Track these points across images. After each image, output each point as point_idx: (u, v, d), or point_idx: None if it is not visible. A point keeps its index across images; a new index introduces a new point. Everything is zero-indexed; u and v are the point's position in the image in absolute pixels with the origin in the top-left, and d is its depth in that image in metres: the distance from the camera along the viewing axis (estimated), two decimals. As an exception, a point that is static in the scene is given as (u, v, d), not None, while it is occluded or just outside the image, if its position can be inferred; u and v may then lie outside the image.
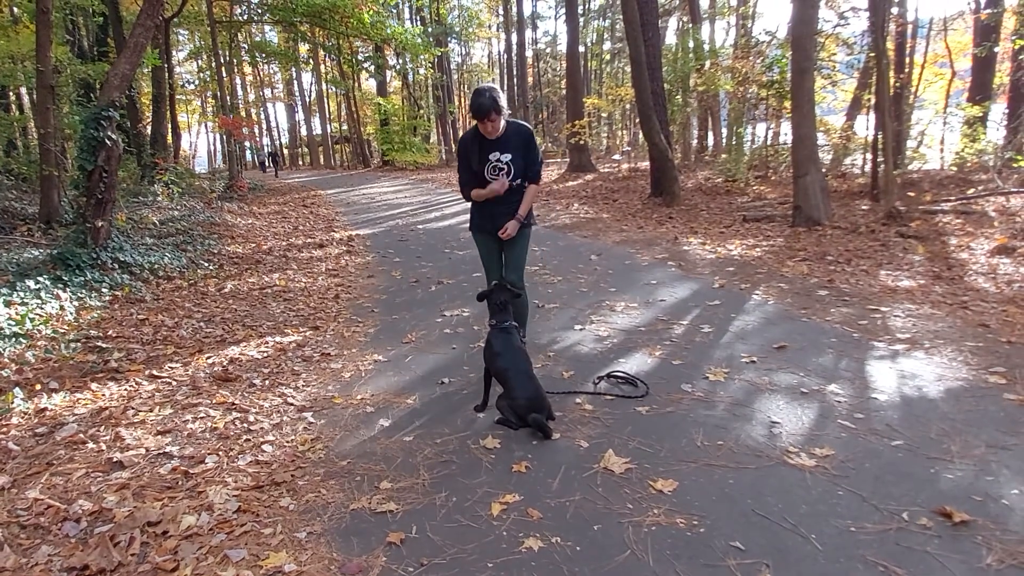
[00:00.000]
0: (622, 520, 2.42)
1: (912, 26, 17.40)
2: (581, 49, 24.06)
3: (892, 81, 11.42)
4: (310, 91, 40.02)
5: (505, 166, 3.68)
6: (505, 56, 30.27)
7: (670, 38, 23.64)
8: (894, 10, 14.29)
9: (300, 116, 43.69)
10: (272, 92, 43.20)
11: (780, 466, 2.72)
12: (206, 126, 40.86)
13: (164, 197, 9.75)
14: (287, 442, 3.21)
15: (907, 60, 16.61)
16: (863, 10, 16.54)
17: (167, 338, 4.77)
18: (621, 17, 28.80)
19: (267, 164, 32.55)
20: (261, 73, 39.46)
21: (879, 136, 10.52)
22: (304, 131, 42.99)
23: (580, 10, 22.42)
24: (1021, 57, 13.62)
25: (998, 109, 16.68)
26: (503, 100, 3.56)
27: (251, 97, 39.88)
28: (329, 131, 37.90)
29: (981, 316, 4.61)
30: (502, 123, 3.63)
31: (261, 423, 3.42)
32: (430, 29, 25.07)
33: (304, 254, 8.27)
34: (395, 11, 25.70)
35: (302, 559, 2.30)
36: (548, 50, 33.15)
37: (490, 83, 4.22)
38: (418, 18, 27.62)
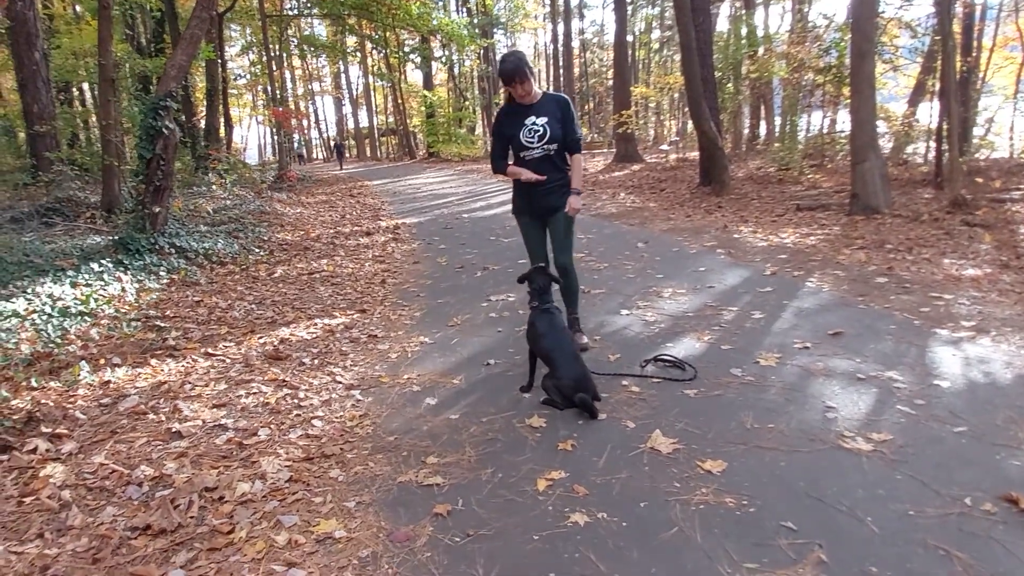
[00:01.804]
0: (669, 498, 2.38)
1: (981, 8, 16.57)
2: (629, 38, 23.71)
3: (959, 65, 10.89)
4: (357, 84, 40.66)
5: (541, 128, 3.61)
6: (551, 47, 30.14)
7: (722, 24, 23.04)
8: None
9: (347, 109, 44.51)
10: (320, 85, 44.01)
11: (835, 450, 2.63)
12: (256, 119, 42.01)
13: (217, 187, 10.05)
14: (336, 418, 3.27)
15: (975, 44, 15.84)
16: (928, -9, 15.85)
17: (221, 319, 4.92)
18: (671, 4, 28.28)
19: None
20: (309, 67, 40.24)
21: (944, 123, 10.08)
22: (351, 124, 43.77)
23: (628, -1, 22.07)
24: (1101, 37, 12.82)
25: (1074, 94, 15.78)
26: (529, 63, 3.55)
27: (300, 91, 40.77)
28: (375, 123, 38.45)
29: (1054, 304, 4.38)
30: (535, 89, 3.61)
31: (311, 399, 3.50)
32: (476, 20, 25.10)
33: (351, 241, 8.41)
34: (441, 2, 25.84)
35: (351, 526, 2.35)
36: (595, 40, 32.81)
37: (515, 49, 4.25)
38: (464, 9, 27.69)
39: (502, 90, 3.91)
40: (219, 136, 15.32)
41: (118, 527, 2.38)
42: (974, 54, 15.69)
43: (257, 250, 7.37)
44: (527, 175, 3.67)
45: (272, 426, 3.16)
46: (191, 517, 2.43)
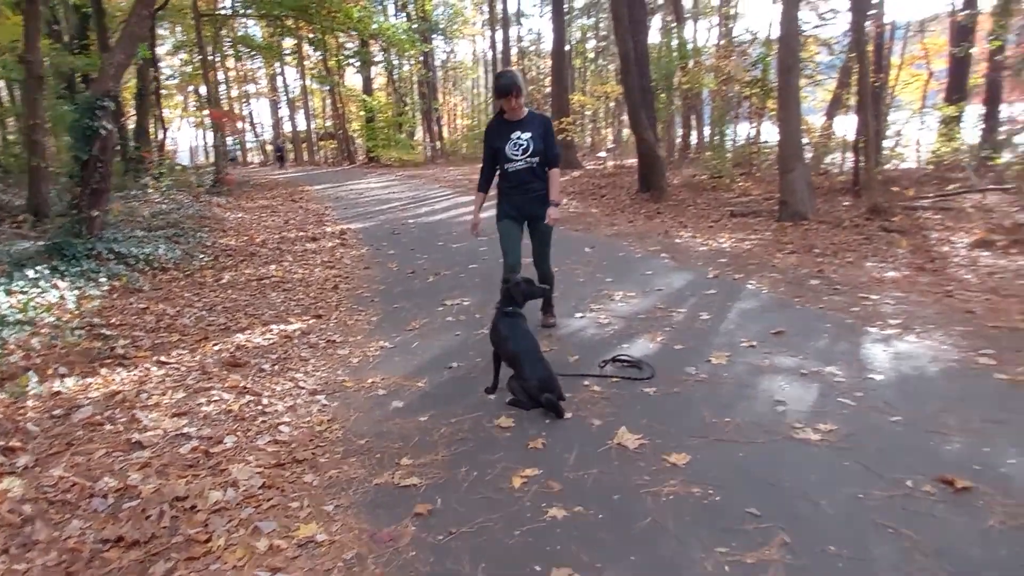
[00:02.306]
0: (640, 491, 2.51)
1: (890, 28, 17.75)
2: (566, 47, 24.17)
3: (872, 81, 11.64)
4: (293, 87, 39.69)
5: (525, 142, 4.01)
6: (490, 53, 30.31)
7: (654, 36, 23.80)
8: (872, 12, 14.55)
9: (284, 112, 43.35)
10: (255, 87, 42.71)
11: (787, 440, 2.83)
12: (188, 121, 40.42)
13: (153, 190, 9.67)
14: (303, 423, 3.26)
15: (885, 62, 16.93)
16: (845, 11, 16.87)
17: (170, 326, 4.78)
18: (605, 16, 28.96)
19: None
20: (243, 68, 39.02)
21: (861, 135, 10.77)
22: (288, 127, 42.63)
23: (564, 8, 22.48)
24: (997, 58, 13.98)
25: (972, 110, 17.10)
26: (522, 82, 3.95)
27: (234, 92, 39.45)
28: (313, 127, 37.59)
29: (966, 304, 4.78)
30: (524, 108, 3.97)
31: (275, 405, 3.46)
32: (414, 25, 25.03)
33: (298, 247, 8.27)
34: (380, 6, 25.57)
35: (332, 529, 2.37)
36: (533, 48, 33.25)
37: (511, 69, 4.64)
38: (403, 14, 27.53)
39: (494, 102, 4.36)
40: (150, 138, 14.71)
41: (88, 540, 2.31)
42: (884, 72, 16.75)
43: (201, 256, 7.15)
44: (475, 221, 4.34)
45: (238, 433, 3.12)
46: (164, 527, 2.39)
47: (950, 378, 3.43)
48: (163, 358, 4.11)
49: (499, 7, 26.17)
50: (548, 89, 30.89)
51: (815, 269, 5.98)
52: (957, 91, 16.67)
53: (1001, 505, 2.27)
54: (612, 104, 26.30)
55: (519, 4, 32.03)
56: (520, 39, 32.69)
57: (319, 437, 3.10)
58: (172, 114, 33.46)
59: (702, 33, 24.38)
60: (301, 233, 9.38)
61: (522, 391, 3.29)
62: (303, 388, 3.70)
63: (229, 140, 22.31)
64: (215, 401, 3.49)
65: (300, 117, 39.92)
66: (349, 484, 2.67)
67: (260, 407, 3.44)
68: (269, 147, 35.65)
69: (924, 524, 2.20)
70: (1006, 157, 13.52)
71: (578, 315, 4.89)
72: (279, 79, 40.04)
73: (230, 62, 34.74)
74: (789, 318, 4.53)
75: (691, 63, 18.22)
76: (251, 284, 6.19)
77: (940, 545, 2.09)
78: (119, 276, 5.69)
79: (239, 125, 26.81)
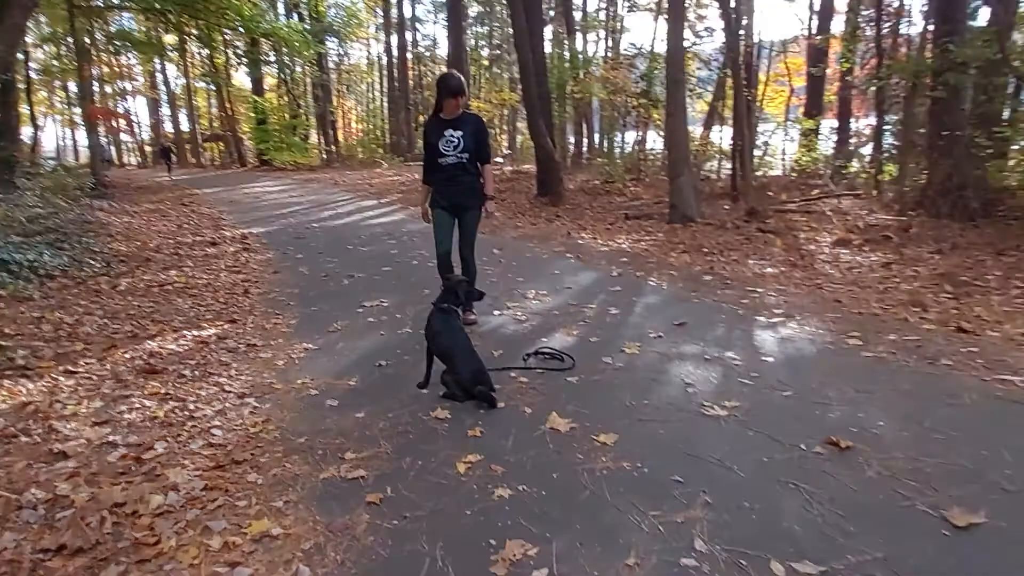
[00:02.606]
0: (576, 468, 2.73)
1: (757, 47, 19.36)
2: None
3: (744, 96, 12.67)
4: (175, 85, 37.07)
5: (456, 139, 4.36)
6: (385, 58, 29.97)
7: (546, 47, 24.56)
8: (742, 32, 15.84)
9: (165, 111, 40.38)
10: (132, 85, 39.51)
11: (699, 417, 3.16)
12: (54, 119, 36.88)
13: (28, 193, 8.86)
14: (236, 426, 3.23)
15: (753, 78, 18.44)
16: (719, 30, 18.24)
17: (72, 335, 4.50)
18: (499, 24, 29.44)
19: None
20: (118, 64, 36.02)
21: (738, 144, 11.74)
22: (170, 127, 39.68)
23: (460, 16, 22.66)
24: (847, 78, 15.61)
25: (827, 123, 19.00)
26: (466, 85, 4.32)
27: (108, 89, 36.33)
28: (198, 128, 35.34)
29: (834, 294, 5.44)
30: (460, 108, 4.30)
31: (203, 410, 3.40)
32: (307, 26, 24.29)
33: (198, 252, 7.91)
34: (269, 4, 24.53)
35: (286, 523, 2.41)
36: (428, 54, 33.19)
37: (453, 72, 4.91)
38: (294, 14, 26.61)
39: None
40: (16, 136, 13.37)
41: (25, 551, 2.22)
42: (753, 88, 18.23)
43: (92, 262, 6.69)
44: (423, 210, 4.76)
45: (168, 439, 3.05)
46: (107, 533, 2.33)
47: (827, 357, 3.93)
48: (70, 367, 3.89)
49: (394, 12, 26.00)
50: (443, 94, 30.95)
51: (706, 266, 6.53)
52: (814, 106, 18.43)
53: (876, 459, 2.69)
54: (506, 112, 26.79)
55: (413, 9, 31.80)
56: (416, 44, 32.58)
57: (256, 438, 3.09)
58: (37, 111, 30.40)
59: (591, 45, 25.34)
60: (198, 238, 8.97)
61: (456, 384, 3.44)
62: (230, 392, 3.65)
63: (104, 140, 20.37)
64: (137, 409, 3.38)
65: (183, 117, 37.46)
66: (295, 480, 2.71)
67: (187, 412, 3.36)
68: (150, 148, 32.86)
69: (818, 478, 2.57)
70: (855, 166, 15.15)
71: (496, 312, 5.09)
72: (159, 76, 37.45)
73: (104, 56, 32.04)
74: (689, 310, 4.96)
75: (582, 74, 18.99)
76: (153, 290, 5.90)
77: (832, 495, 2.46)
78: (4, 285, 5.25)
79: (122, 124, 24.69)
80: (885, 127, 13.49)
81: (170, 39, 26.63)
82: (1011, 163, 9.72)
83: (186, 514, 2.47)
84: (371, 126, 33.36)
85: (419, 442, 3.02)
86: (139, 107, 44.04)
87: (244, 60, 24.49)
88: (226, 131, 30.19)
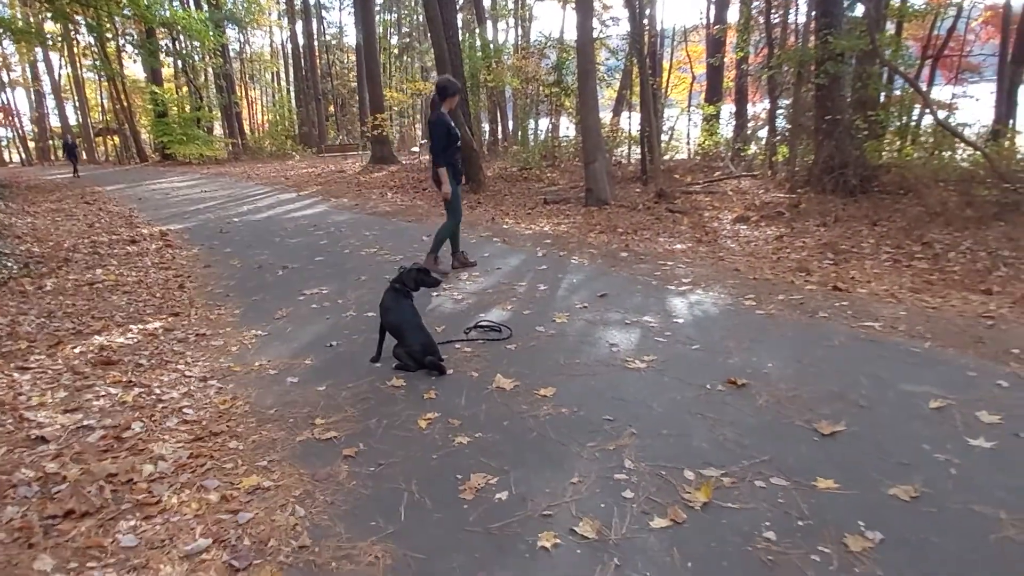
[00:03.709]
0: (523, 416, 3.18)
1: (659, 36, 20.39)
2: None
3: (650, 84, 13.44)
4: (60, 75, 34.40)
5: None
6: (290, 45, 29.23)
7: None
8: (646, 21, 16.65)
9: (51, 104, 37.47)
10: (9, 75, 36.43)
11: (623, 369, 3.68)
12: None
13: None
14: (205, 404, 3.48)
15: (658, 66, 19.44)
16: (624, 19, 19.09)
17: (12, 334, 4.52)
18: (407, 12, 29.32)
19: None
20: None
21: (646, 130, 12.49)
22: (56, 121, 36.82)
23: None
24: (743, 66, 16.76)
25: (726, 108, 20.26)
26: None
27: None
28: (90, 122, 33.15)
29: (734, 264, 6.14)
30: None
31: (169, 393, 3.61)
32: (206, 13, 23.39)
33: (118, 250, 7.80)
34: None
35: (274, 477, 2.73)
36: (335, 42, 32.58)
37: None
38: (191, 1, 25.47)
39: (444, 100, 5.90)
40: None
41: (32, 519, 2.45)
42: (659, 75, 19.23)
43: (7, 264, 6.54)
44: (446, 190, 6.08)
45: (143, 419, 3.27)
46: (108, 499, 2.58)
47: (727, 316, 4.56)
48: (22, 364, 3.97)
49: (298, -1, 25.40)
50: (354, 84, 30.70)
51: (622, 245, 7.13)
52: (715, 93, 19.61)
53: (765, 392, 3.29)
54: (420, 101, 26.84)
55: (318, -4, 31.05)
56: (323, 32, 31.91)
57: (227, 413, 3.36)
58: None
59: (501, 34, 25.76)
60: (115, 236, 8.78)
61: (407, 356, 3.80)
62: (191, 376, 3.86)
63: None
64: (104, 396, 3.55)
65: (70, 109, 34.96)
66: (274, 444, 3.02)
67: (155, 396, 3.57)
68: (34, 143, 30.33)
69: (721, 409, 3.14)
70: (752, 149, 16.35)
71: (434, 294, 5.45)
72: (41, 66, 34.81)
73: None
74: (609, 283, 5.51)
75: (495, 63, 19.38)
76: (83, 289, 5.88)
77: (732, 419, 3.02)
78: (-76, 288, 5.14)
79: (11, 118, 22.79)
80: (777, 112, 14.65)
81: (50, 27, 24.68)
82: (885, 143, 10.93)
83: (179, 478, 2.74)
84: (278, 117, 32.50)
85: (381, 406, 3.38)
86: (20, 99, 40.81)
87: (140, 51, 23.02)
88: (121, 125, 28.51)
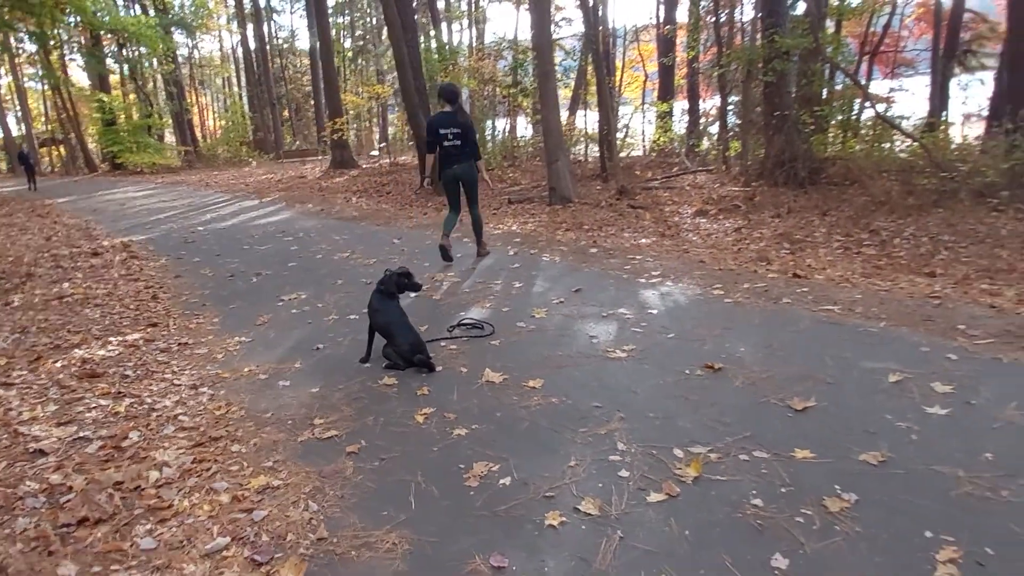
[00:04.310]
0: (515, 407, 3.33)
1: (612, 36, 20.78)
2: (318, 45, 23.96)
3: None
4: (0, 86, 32.78)
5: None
6: (241, 49, 28.65)
7: (411, 38, 24.71)
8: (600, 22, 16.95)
9: None
10: None
11: (605, 359, 3.87)
12: None
13: None
14: (200, 411, 3.52)
15: (612, 65, 19.82)
16: (575, 20, 19.40)
17: (-13, 351, 4.47)
18: (360, 15, 29.08)
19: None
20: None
21: (604, 128, 12.78)
22: None
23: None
24: (694, 65, 17.23)
25: (679, 105, 20.79)
26: None
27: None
28: (33, 133, 31.78)
29: (698, 256, 6.41)
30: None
31: (161, 402, 3.64)
32: (156, 19, 22.76)
33: (82, 263, 7.65)
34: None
35: (282, 476, 2.82)
36: (287, 45, 32.09)
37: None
38: (137, 5, 24.69)
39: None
40: None
41: (46, 529, 2.48)
42: (613, 74, 19.61)
43: (-32, 281, 6.37)
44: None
45: (140, 429, 3.30)
46: (117, 505, 2.64)
47: (697, 305, 4.80)
48: (5, 380, 3.94)
49: (247, 1, 24.91)
50: (308, 88, 30.30)
51: (590, 241, 7.35)
52: (667, 91, 20.07)
53: (740, 374, 3.51)
54: (375, 105, 26.70)
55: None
56: (275, 36, 31.41)
57: (224, 419, 3.42)
58: None
59: (455, 36, 25.83)
60: (75, 249, 8.59)
61: (396, 355, 3.91)
62: (180, 385, 3.89)
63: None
64: (95, 408, 3.56)
65: (12, 120, 33.28)
66: (276, 445, 3.10)
67: (147, 406, 3.59)
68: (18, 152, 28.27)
69: (700, 391, 3.35)
70: (705, 144, 16.84)
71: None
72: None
73: None
74: (582, 279, 5.70)
75: (451, 65, 19.47)
76: (52, 304, 5.79)
77: (711, 401, 3.23)
78: None
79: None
80: (728, 108, 15.14)
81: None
82: (830, 137, 11.44)
83: (186, 482, 2.81)
84: (232, 123, 31.86)
85: (376, 404, 3.49)
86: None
87: (87, 58, 22.04)
88: (67, 134, 27.44)
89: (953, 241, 6.35)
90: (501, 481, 2.66)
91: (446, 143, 6.41)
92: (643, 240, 7.45)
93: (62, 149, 28.55)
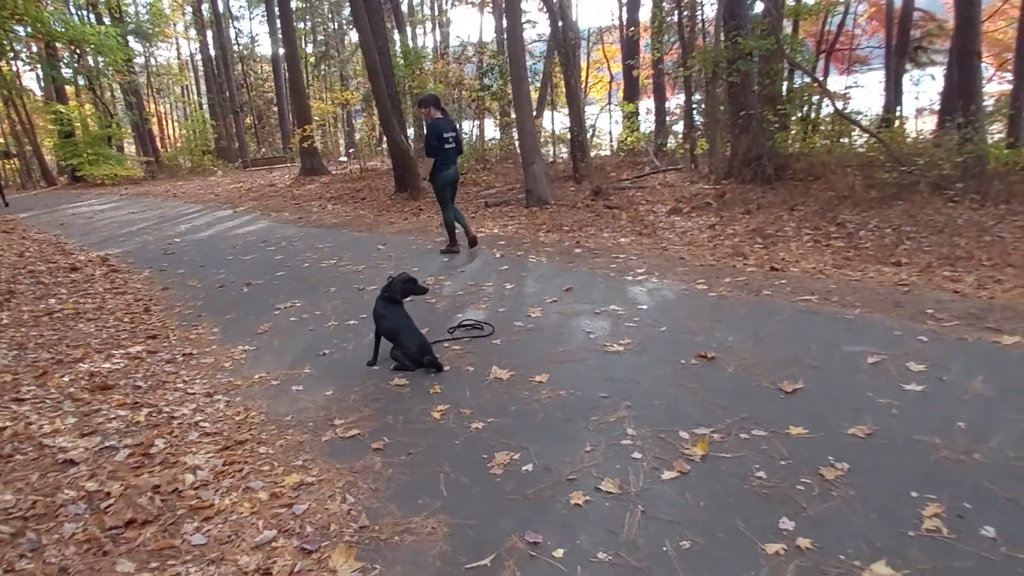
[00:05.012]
0: (526, 400, 3.53)
1: (576, 38, 21.12)
2: (283, 52, 23.80)
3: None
4: None
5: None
6: (200, 56, 28.23)
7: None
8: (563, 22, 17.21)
9: None
10: None
11: (604, 353, 4.10)
12: None
13: None
14: (220, 417, 3.64)
15: (578, 66, 20.13)
16: (539, 22, 19.67)
17: (-9, 368, 4.49)
18: (320, 20, 28.93)
19: None
20: None
21: (575, 130, 13.05)
22: None
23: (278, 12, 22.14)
24: (660, 66, 17.63)
25: (645, 104, 21.21)
26: None
27: None
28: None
29: (678, 253, 6.69)
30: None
31: (180, 411, 3.75)
32: (111, 27, 22.30)
33: (61, 278, 7.59)
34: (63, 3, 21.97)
35: (314, 473, 2.97)
36: (247, 52, 31.72)
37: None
38: (93, 14, 24.09)
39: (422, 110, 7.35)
40: None
41: (95, 532, 2.60)
42: (579, 75, 19.90)
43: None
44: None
45: (164, 436, 3.41)
46: (159, 507, 2.76)
47: (685, 300, 5.07)
48: (16, 396, 3.99)
49: (205, 7, 24.58)
50: (270, 95, 30.04)
51: (574, 242, 7.59)
52: (632, 91, 20.47)
53: (732, 362, 3.78)
54: (341, 111, 26.60)
55: (227, 5, 29.95)
56: (235, 42, 31.01)
57: (245, 423, 3.55)
58: None
59: (420, 39, 25.92)
60: (52, 264, 8.49)
61: (405, 357, 4.08)
62: (195, 393, 4.00)
63: None
64: (115, 418, 3.65)
65: None
66: (302, 446, 3.25)
67: (166, 415, 3.70)
68: None
69: (698, 378, 3.60)
70: (672, 143, 17.25)
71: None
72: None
73: None
74: (571, 278, 5.93)
75: (418, 70, 19.57)
76: (43, 320, 5.78)
77: (709, 387, 3.48)
78: None
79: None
80: (693, 107, 15.57)
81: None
82: (792, 134, 11.90)
83: (222, 483, 2.94)
84: (193, 132, 31.34)
85: (392, 403, 3.65)
86: None
87: (44, 68, 21.40)
88: (22, 147, 26.65)
89: (915, 232, 6.75)
90: (524, 468, 2.86)
91: (447, 146, 7.05)
92: (622, 239, 7.71)
93: (16, 162, 27.64)
